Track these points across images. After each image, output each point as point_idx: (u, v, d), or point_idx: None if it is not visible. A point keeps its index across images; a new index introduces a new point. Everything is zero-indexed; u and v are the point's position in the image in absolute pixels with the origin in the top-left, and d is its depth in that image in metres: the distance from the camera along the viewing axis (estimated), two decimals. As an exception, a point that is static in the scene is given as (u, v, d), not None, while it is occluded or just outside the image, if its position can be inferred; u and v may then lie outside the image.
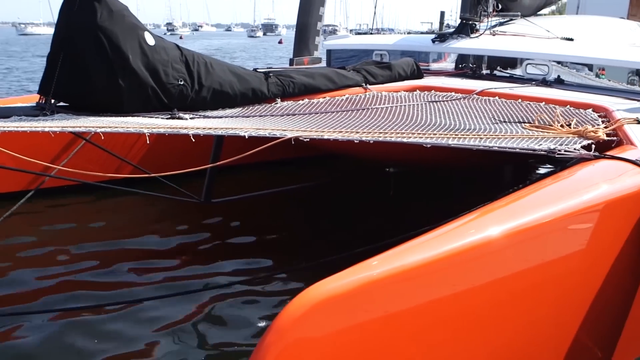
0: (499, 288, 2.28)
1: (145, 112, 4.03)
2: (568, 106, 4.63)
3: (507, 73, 6.49)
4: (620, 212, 2.74)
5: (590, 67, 5.99)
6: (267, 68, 6.63)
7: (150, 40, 4.07)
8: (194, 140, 3.35)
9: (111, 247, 4.53)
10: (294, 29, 10.69)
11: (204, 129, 3.50)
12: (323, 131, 3.65)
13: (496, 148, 3.24)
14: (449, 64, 7.07)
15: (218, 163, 3.83)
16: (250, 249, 4.62)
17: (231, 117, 4.27)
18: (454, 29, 7.47)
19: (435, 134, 3.60)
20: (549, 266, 2.48)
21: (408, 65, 6.17)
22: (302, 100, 4.95)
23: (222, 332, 3.51)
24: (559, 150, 3.15)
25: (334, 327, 1.74)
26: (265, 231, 4.99)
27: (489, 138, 3.48)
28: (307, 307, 1.68)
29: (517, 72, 6.42)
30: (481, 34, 7.00)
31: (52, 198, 5.16)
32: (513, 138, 3.50)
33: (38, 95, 3.93)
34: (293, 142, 3.33)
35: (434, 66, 7.12)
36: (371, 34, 10.46)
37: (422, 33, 10.72)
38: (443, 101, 5.07)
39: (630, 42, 7.56)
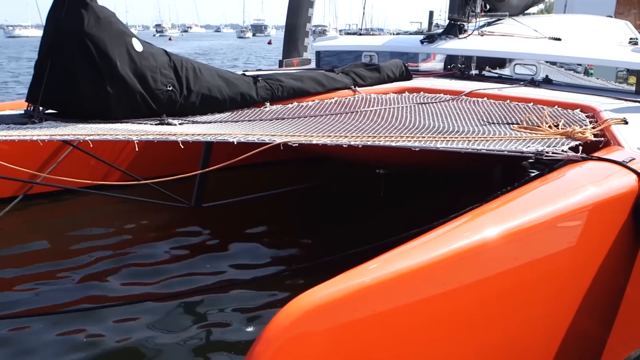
0: (491, 290, 2.30)
1: (134, 118, 4.03)
2: (556, 106, 4.65)
3: (496, 73, 6.52)
4: (607, 214, 2.76)
5: (578, 66, 6.02)
6: (257, 70, 6.64)
7: (138, 47, 4.06)
8: (182, 146, 3.35)
9: (101, 252, 4.52)
10: (283, 30, 10.71)
11: (192, 135, 3.50)
12: (312, 136, 3.66)
13: (484, 151, 3.25)
14: (438, 64, 7.09)
15: (207, 169, 3.83)
16: (241, 253, 4.62)
17: (220, 122, 4.27)
18: (442, 29, 7.49)
19: (424, 137, 3.61)
20: (539, 268, 2.50)
21: (397, 67, 6.18)
22: (291, 103, 4.95)
23: (214, 336, 3.52)
24: (547, 153, 3.16)
25: (323, 335, 1.75)
26: (257, 234, 4.99)
27: (477, 140, 3.49)
28: (295, 316, 1.69)
29: (506, 72, 6.45)
30: (469, 35, 7.02)
31: (40, 204, 5.15)
32: (501, 140, 3.52)
33: (26, 102, 3.92)
34: (282, 148, 3.33)
35: (423, 66, 7.14)
36: (360, 34, 10.46)
37: (410, 33, 10.72)
38: (432, 103, 5.09)
39: (617, 41, 7.61)
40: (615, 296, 2.95)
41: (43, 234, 4.82)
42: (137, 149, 3.65)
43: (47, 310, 3.73)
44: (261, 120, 4.36)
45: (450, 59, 6.95)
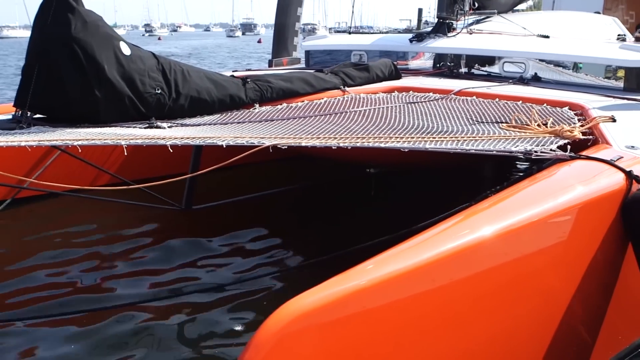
0: (483, 288, 2.31)
1: (123, 122, 4.01)
2: (545, 105, 4.66)
3: (485, 71, 6.52)
4: (596, 213, 2.77)
5: (564, 62, 6.03)
6: (246, 70, 6.64)
7: (126, 50, 4.05)
8: (171, 150, 3.34)
9: (91, 256, 4.51)
10: (273, 29, 10.72)
11: (181, 138, 3.49)
12: (301, 137, 3.66)
13: (473, 151, 3.26)
14: (427, 61, 7.09)
15: (197, 172, 3.82)
16: (232, 255, 4.62)
17: (209, 124, 4.26)
18: (431, 28, 7.50)
19: (413, 138, 3.61)
20: (529, 267, 2.51)
21: (386, 66, 6.18)
22: (281, 104, 4.94)
23: (206, 339, 3.52)
24: (535, 152, 3.18)
25: (313, 340, 1.75)
26: (248, 236, 4.99)
27: (466, 140, 3.50)
28: (285, 321, 1.70)
29: (495, 70, 6.45)
30: (458, 33, 7.02)
31: (29, 208, 5.12)
32: (490, 139, 3.53)
33: (14, 107, 3.91)
34: (271, 150, 3.33)
35: (413, 64, 7.14)
36: (350, 32, 10.46)
37: (399, 31, 10.71)
38: (421, 102, 5.09)
39: (605, 37, 7.63)
40: (604, 294, 2.97)
41: (31, 239, 4.80)
42: (125, 153, 3.64)
43: (36, 314, 3.72)
44: (250, 122, 4.36)
45: (439, 58, 6.94)
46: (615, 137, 3.53)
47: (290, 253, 4.64)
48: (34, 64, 3.80)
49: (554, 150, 3.21)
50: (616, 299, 2.99)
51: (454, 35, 6.97)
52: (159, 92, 4.17)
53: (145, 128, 3.96)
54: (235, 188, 5.09)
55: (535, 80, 5.98)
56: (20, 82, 3.86)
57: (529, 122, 3.93)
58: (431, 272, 2.08)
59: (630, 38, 8.01)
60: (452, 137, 3.60)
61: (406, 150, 3.34)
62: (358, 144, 3.44)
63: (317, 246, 4.60)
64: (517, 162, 6.79)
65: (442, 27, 7.07)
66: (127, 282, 4.14)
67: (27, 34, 4.34)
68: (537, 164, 3.21)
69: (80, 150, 3.48)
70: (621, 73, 5.63)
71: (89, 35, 3.85)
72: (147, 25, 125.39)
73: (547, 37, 6.72)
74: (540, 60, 6.10)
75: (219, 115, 4.56)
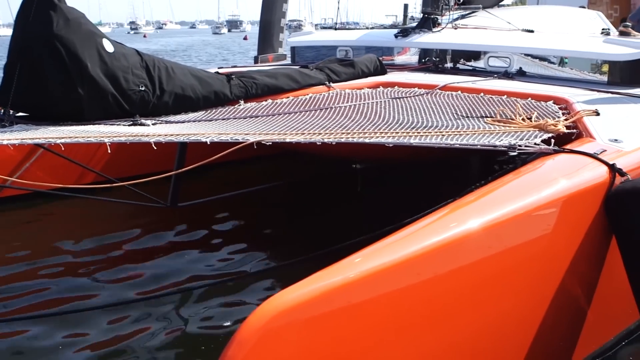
0: (468, 282, 2.32)
1: (107, 119, 4.00)
2: (529, 99, 4.67)
3: (470, 66, 6.54)
4: (579, 206, 2.79)
5: (552, 57, 6.05)
6: (232, 67, 6.61)
7: (109, 47, 4.03)
8: (155, 148, 3.33)
9: (76, 255, 4.49)
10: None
11: (165, 135, 3.48)
12: (285, 133, 3.66)
13: (457, 145, 3.26)
14: (413, 57, 7.10)
15: (182, 169, 3.81)
16: (218, 252, 4.61)
17: (194, 121, 4.24)
18: (416, 23, 7.50)
19: (398, 132, 3.61)
20: (514, 260, 2.52)
21: (371, 62, 6.18)
22: (266, 101, 4.93)
23: (192, 336, 3.51)
24: (520, 146, 3.19)
25: (297, 336, 1.75)
26: (234, 233, 4.98)
27: (450, 135, 3.51)
28: (268, 317, 1.69)
29: (480, 64, 6.47)
30: (443, 28, 7.02)
31: (13, 208, 5.09)
32: (475, 134, 3.53)
33: None
34: (255, 147, 3.32)
35: (398, 60, 7.15)
36: (336, 28, 10.45)
37: (385, 27, 10.70)
38: (406, 97, 5.09)
39: (590, 31, 7.66)
40: (588, 286, 2.98)
41: (16, 238, 4.77)
42: (109, 151, 3.62)
43: (20, 313, 3.69)
44: (235, 118, 4.35)
45: (424, 53, 6.96)
46: (598, 130, 3.55)
47: (277, 250, 4.63)
48: (16, 62, 3.78)
49: (538, 144, 3.22)
50: (600, 291, 3.01)
51: (439, 31, 6.98)
52: (142, 89, 4.15)
53: (129, 125, 3.94)
54: (222, 186, 5.08)
55: (520, 74, 6.00)
56: (2, 80, 3.84)
57: (513, 117, 3.94)
58: (417, 266, 2.09)
59: (614, 32, 8.03)
60: (436, 132, 3.61)
61: (391, 145, 3.34)
62: (343, 140, 3.44)
63: (304, 243, 4.59)
64: (504, 156, 6.80)
65: (427, 22, 7.07)
66: (111, 281, 4.12)
67: (10, 32, 4.32)
68: (522, 158, 3.21)
69: (63, 149, 3.45)
70: (606, 67, 5.65)
71: (71, 32, 3.83)
72: (132, 22, 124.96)
73: (532, 31, 6.74)
74: (526, 55, 6.11)
75: (203, 112, 4.54)
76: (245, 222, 5.18)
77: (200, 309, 3.76)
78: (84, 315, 3.62)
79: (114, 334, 3.47)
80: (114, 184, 3.53)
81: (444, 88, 5.32)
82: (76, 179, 5.07)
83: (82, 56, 3.84)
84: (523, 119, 3.86)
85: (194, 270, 4.29)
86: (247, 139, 3.35)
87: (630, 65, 5.44)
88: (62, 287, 4.04)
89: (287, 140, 3.48)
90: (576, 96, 4.59)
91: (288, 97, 5.10)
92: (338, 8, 10.94)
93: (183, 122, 4.20)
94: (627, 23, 8.41)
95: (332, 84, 5.53)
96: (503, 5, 9.50)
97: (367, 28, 11.29)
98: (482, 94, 4.98)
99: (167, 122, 4.15)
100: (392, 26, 10.40)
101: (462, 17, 7.66)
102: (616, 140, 3.37)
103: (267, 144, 3.40)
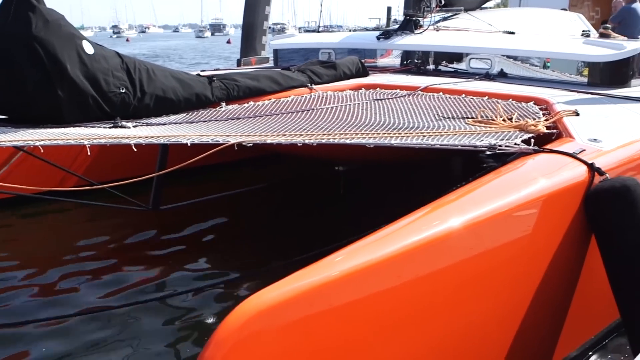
0: (449, 281, 2.32)
1: (87, 122, 3.97)
2: (510, 100, 4.69)
3: (452, 68, 6.55)
4: (559, 205, 2.80)
5: (534, 59, 6.08)
6: (214, 70, 6.59)
7: (89, 49, 4.00)
8: (136, 150, 3.31)
9: (57, 260, 4.45)
10: (242, 29, 10.66)
11: (146, 137, 3.46)
12: (267, 135, 3.65)
13: (438, 146, 3.27)
14: (395, 59, 7.11)
15: (164, 171, 3.79)
16: (201, 255, 4.59)
17: (175, 123, 4.23)
18: (398, 25, 7.52)
19: (379, 134, 3.62)
20: (494, 260, 2.53)
21: (353, 64, 6.19)
22: (247, 103, 4.92)
23: (172, 340, 3.49)
24: (500, 146, 3.20)
25: (275, 336, 1.74)
26: (216, 236, 4.96)
27: (431, 136, 3.51)
28: (246, 318, 1.69)
29: (462, 66, 6.49)
30: (425, 30, 7.04)
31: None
32: (456, 134, 3.54)
33: None
34: (236, 148, 3.31)
35: (381, 62, 7.16)
36: (319, 31, 10.47)
37: (367, 30, 10.73)
38: (388, 99, 5.10)
39: (570, 33, 7.71)
40: (569, 285, 3.00)
41: None
42: (89, 153, 3.59)
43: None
44: (217, 120, 4.33)
45: (406, 55, 6.97)
46: (578, 130, 3.57)
47: (259, 254, 4.61)
48: (-5, 64, 3.75)
49: (518, 144, 3.23)
50: (580, 290, 3.03)
51: (420, 33, 6.99)
52: (123, 91, 4.13)
53: (109, 128, 3.91)
54: (205, 189, 5.06)
55: (502, 76, 6.02)
56: (-19, 83, 3.81)
57: (494, 117, 3.96)
58: (398, 264, 2.09)
59: (594, 34, 8.10)
60: (418, 133, 3.62)
61: (372, 146, 3.35)
62: (324, 141, 3.44)
63: (286, 247, 4.58)
64: (488, 157, 6.83)
65: (409, 25, 7.08)
66: (90, 288, 4.08)
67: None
68: (502, 158, 3.23)
69: (42, 151, 3.43)
70: (586, 71, 5.69)
71: (51, 34, 3.80)
72: (114, 26, 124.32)
73: (513, 33, 6.78)
74: (508, 57, 6.14)
75: (185, 114, 4.53)
76: (227, 225, 5.16)
77: (178, 314, 3.74)
78: (59, 322, 3.58)
79: (93, 342, 3.44)
80: (94, 187, 3.51)
81: (426, 89, 5.34)
82: (58, 183, 5.03)
83: (61, 58, 3.81)
84: (504, 120, 3.88)
85: (175, 275, 4.27)
86: (228, 141, 3.34)
87: (610, 67, 5.48)
88: (39, 292, 4.00)
89: (269, 141, 3.47)
90: (556, 97, 4.62)
91: (270, 99, 5.09)
92: (321, 11, 10.99)
93: (164, 124, 4.18)
94: (607, 25, 8.49)
95: (314, 86, 5.53)
96: (485, 8, 9.55)
97: (350, 31, 11.31)
98: (463, 95, 5.00)
99: (148, 124, 4.13)
100: (376, 29, 10.42)
101: (444, 19, 7.69)
102: (595, 140, 3.39)
103: (249, 145, 3.39)
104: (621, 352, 3.39)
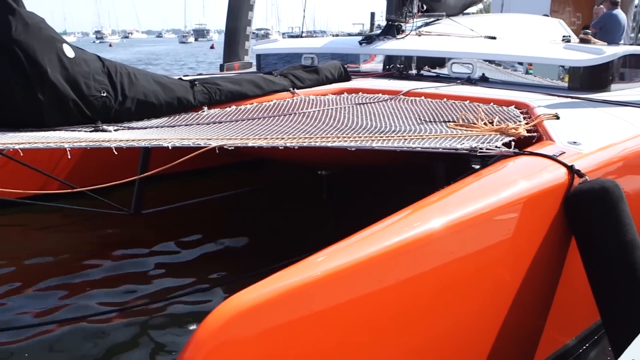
0: (427, 283, 2.32)
1: (68, 125, 3.95)
2: (491, 104, 4.72)
3: (434, 73, 6.58)
4: (539, 207, 2.81)
5: (513, 63, 6.12)
6: (197, 75, 6.58)
7: (69, 53, 3.98)
8: (116, 153, 3.29)
9: (35, 264, 4.41)
10: (226, 34, 10.63)
11: (127, 141, 3.45)
12: (248, 138, 3.64)
13: (419, 149, 3.28)
14: (378, 65, 7.13)
15: (145, 174, 3.78)
16: (183, 260, 4.57)
17: (157, 127, 4.21)
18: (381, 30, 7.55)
19: (361, 137, 3.63)
20: (475, 261, 2.53)
21: (335, 68, 6.20)
22: (230, 107, 4.92)
23: (154, 346, 3.47)
24: (481, 148, 3.21)
25: (255, 337, 1.74)
26: (198, 241, 4.94)
27: (413, 139, 3.53)
28: (226, 318, 1.68)
29: (444, 71, 6.52)
30: (407, 35, 7.08)
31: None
32: (437, 138, 3.56)
33: None
34: (217, 151, 3.30)
35: (364, 68, 7.18)
36: (302, 37, 10.48)
37: (350, 35, 10.76)
38: (370, 103, 5.11)
39: (551, 38, 7.78)
40: (549, 286, 3.01)
41: None
42: (69, 157, 3.57)
43: None
44: (198, 124, 4.32)
45: (389, 60, 6.99)
46: (558, 133, 3.60)
47: (242, 259, 4.61)
48: (-26, 68, 3.72)
49: (499, 147, 3.25)
50: (560, 291, 3.04)
51: (402, 37, 7.03)
52: (104, 95, 4.11)
53: (90, 131, 3.89)
54: (187, 193, 5.04)
55: (483, 80, 6.06)
56: (-40, 86, 3.77)
57: (475, 121, 3.98)
58: (379, 265, 2.09)
59: (575, 39, 8.17)
60: (399, 136, 3.63)
61: (354, 149, 3.35)
62: (305, 144, 3.44)
63: (269, 251, 4.57)
64: (472, 161, 6.86)
65: (391, 30, 7.13)
66: (72, 292, 4.04)
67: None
68: (483, 161, 3.24)
69: (22, 154, 3.40)
70: (567, 78, 5.74)
71: (31, 37, 3.78)
72: (97, 32, 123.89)
73: (494, 38, 6.82)
74: (490, 62, 6.17)
75: (166, 118, 4.51)
76: (209, 229, 5.14)
77: (161, 320, 3.72)
78: (37, 330, 3.54)
79: (73, 348, 3.41)
80: (75, 189, 3.48)
81: (408, 94, 5.36)
82: (39, 187, 4.99)
83: (41, 61, 3.79)
84: (485, 123, 3.90)
85: (156, 280, 4.24)
86: (210, 144, 3.33)
87: (590, 71, 5.53)
88: (16, 299, 3.95)
89: (250, 144, 3.47)
90: (537, 101, 4.65)
91: (252, 103, 5.09)
92: (304, 16, 10.99)
93: (145, 128, 4.17)
94: (587, 30, 8.58)
95: (296, 90, 5.53)
96: (467, 14, 9.61)
97: (333, 36, 11.34)
98: (445, 100, 5.02)
99: (129, 128, 4.12)
100: (359, 34, 10.45)
101: (426, 24, 7.73)
102: (575, 142, 3.42)
103: (230, 148, 3.38)
104: (602, 353, 3.42)
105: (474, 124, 3.93)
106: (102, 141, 3.43)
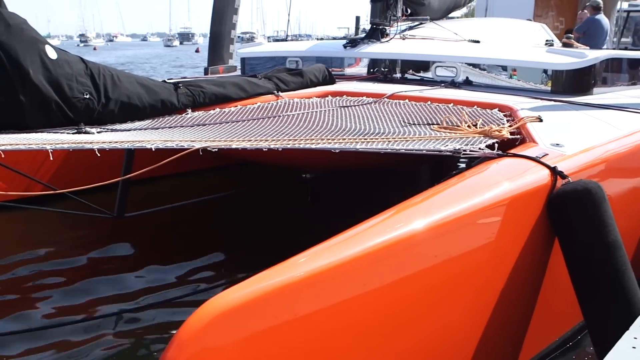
0: (410, 285, 2.33)
1: (50, 127, 3.92)
2: (475, 107, 4.73)
3: (418, 76, 6.60)
4: (523, 208, 2.83)
5: (497, 67, 6.15)
6: (181, 78, 6.55)
7: (52, 54, 3.95)
8: (99, 154, 3.27)
9: (15, 269, 4.37)
10: (211, 38, 10.63)
11: (110, 142, 3.43)
12: (232, 140, 3.63)
13: (403, 151, 3.29)
14: (362, 69, 7.13)
15: (128, 175, 3.76)
16: (166, 264, 4.54)
17: (140, 129, 4.19)
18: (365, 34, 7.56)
19: (345, 139, 3.63)
20: (458, 262, 2.54)
21: (319, 72, 6.19)
22: (214, 109, 4.90)
23: (137, 352, 3.44)
24: (464, 150, 3.22)
25: (237, 338, 1.73)
26: (182, 244, 4.92)
27: (397, 141, 3.53)
28: (208, 319, 1.67)
29: (428, 75, 6.53)
30: (391, 39, 7.09)
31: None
32: (421, 140, 3.57)
33: None
34: (201, 153, 3.29)
35: (348, 71, 7.18)
36: (287, 40, 10.47)
37: (334, 38, 10.77)
38: (354, 106, 5.11)
39: (534, 42, 7.82)
40: (533, 287, 3.02)
41: None
42: (52, 158, 3.54)
43: None
44: (182, 127, 4.31)
45: (373, 63, 7.00)
46: (541, 135, 3.62)
47: (227, 261, 4.59)
48: (-45, 69, 3.68)
49: (482, 149, 3.26)
50: (545, 291, 3.05)
51: (387, 41, 7.04)
52: (87, 97, 4.08)
53: (73, 133, 3.86)
54: (171, 197, 5.01)
55: (467, 84, 6.08)
56: (-59, 87, 3.73)
57: (459, 124, 3.99)
58: (362, 266, 2.09)
59: (558, 44, 8.22)
60: (383, 138, 3.63)
61: (337, 151, 3.35)
62: (289, 146, 3.43)
63: (253, 254, 4.55)
64: (456, 165, 6.88)
65: (376, 33, 7.13)
66: (53, 297, 4.01)
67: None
68: (467, 163, 3.25)
69: (3, 156, 3.37)
70: (549, 83, 5.77)
71: (13, 38, 3.75)
72: (82, 35, 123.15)
73: (478, 42, 6.85)
74: (473, 66, 6.19)
75: (150, 120, 4.49)
76: (193, 233, 5.12)
77: (146, 325, 3.70)
78: (18, 337, 3.51)
79: (54, 354, 3.38)
80: (56, 191, 3.46)
81: (392, 97, 5.37)
82: (22, 190, 4.95)
83: (23, 62, 3.76)
84: (469, 126, 3.91)
85: (139, 285, 4.22)
86: (193, 146, 3.31)
87: (572, 75, 5.57)
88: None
89: (234, 146, 3.46)
90: (520, 104, 4.67)
91: (236, 106, 5.07)
92: (289, 20, 10.99)
93: (129, 130, 4.15)
94: (570, 35, 8.62)
95: (280, 93, 5.53)
96: (452, 18, 9.64)
97: (318, 39, 11.34)
98: (429, 102, 5.04)
99: (112, 130, 4.09)
100: (344, 38, 10.45)
101: (410, 28, 7.75)
102: (558, 144, 3.44)
103: (214, 150, 3.37)
104: (585, 354, 3.43)
105: (458, 126, 3.94)
106: (85, 143, 3.41)
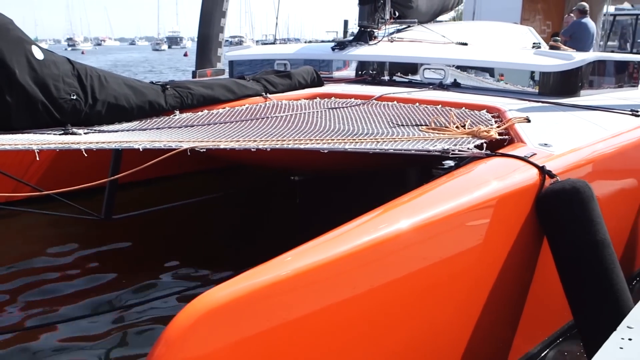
0: (398, 286, 2.32)
1: (37, 128, 3.90)
2: (463, 108, 4.75)
3: (406, 78, 6.61)
4: (511, 207, 2.83)
5: (484, 70, 6.16)
6: (169, 81, 6.53)
7: (38, 55, 3.93)
8: (86, 155, 3.25)
9: (6, 269, 4.34)
10: (199, 41, 10.58)
11: (97, 143, 3.41)
12: (220, 141, 3.62)
13: (392, 151, 3.29)
14: (351, 72, 7.14)
15: (116, 176, 3.73)
16: (153, 266, 4.52)
17: (128, 130, 4.17)
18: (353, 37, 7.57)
19: (333, 140, 3.62)
20: (446, 262, 2.54)
21: (308, 74, 6.19)
22: (202, 111, 4.89)
23: (123, 353, 3.42)
24: (453, 150, 3.23)
25: (225, 335, 1.72)
26: (170, 247, 4.89)
27: (385, 141, 3.53)
28: (196, 317, 1.66)
29: (416, 77, 6.54)
30: (379, 41, 7.10)
31: None
32: (409, 140, 3.57)
33: None
34: (189, 153, 3.28)
35: (336, 74, 7.18)
36: (275, 44, 10.46)
37: (322, 41, 10.78)
38: (342, 107, 5.11)
39: (521, 45, 7.85)
40: (521, 287, 3.02)
41: None
42: (38, 158, 3.52)
43: None
44: (170, 128, 4.29)
45: (361, 65, 7.01)
46: (529, 136, 3.63)
47: (215, 263, 4.56)
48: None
49: (471, 149, 3.26)
50: (533, 291, 3.06)
51: (375, 43, 7.05)
52: (74, 97, 4.06)
53: (60, 134, 3.84)
54: (159, 199, 4.99)
55: (455, 86, 6.09)
56: None
57: (447, 124, 4.00)
58: (348, 264, 2.08)
59: (545, 46, 8.25)
60: (371, 139, 3.63)
61: (326, 151, 3.34)
62: (277, 146, 3.43)
63: (241, 256, 4.54)
64: (445, 166, 6.88)
65: (364, 36, 7.14)
66: (40, 298, 3.98)
67: None
68: (456, 163, 3.26)
69: None
70: (536, 86, 5.80)
71: None
72: (69, 39, 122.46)
73: (466, 44, 6.87)
74: (461, 69, 6.20)
75: (138, 121, 4.47)
76: (181, 235, 5.10)
77: (132, 326, 3.67)
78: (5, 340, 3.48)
79: (42, 356, 3.35)
80: (43, 193, 3.43)
81: (380, 98, 5.37)
82: (9, 192, 4.92)
83: (9, 63, 3.74)
84: (457, 127, 3.92)
85: (126, 286, 4.19)
86: (181, 146, 3.30)
87: (559, 77, 5.59)
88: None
89: (222, 147, 3.44)
90: (508, 105, 4.69)
91: (224, 108, 5.07)
92: (276, 24, 10.99)
93: (116, 131, 4.13)
94: (557, 38, 8.68)
95: (268, 95, 5.52)
96: (439, 21, 9.67)
97: (306, 42, 11.33)
98: (417, 104, 5.04)
99: (99, 131, 4.07)
100: (332, 41, 10.46)
101: (399, 31, 7.76)
102: (546, 144, 3.45)
103: (202, 151, 3.35)
104: (575, 353, 3.43)
105: (446, 127, 3.95)
106: (72, 143, 3.39)
